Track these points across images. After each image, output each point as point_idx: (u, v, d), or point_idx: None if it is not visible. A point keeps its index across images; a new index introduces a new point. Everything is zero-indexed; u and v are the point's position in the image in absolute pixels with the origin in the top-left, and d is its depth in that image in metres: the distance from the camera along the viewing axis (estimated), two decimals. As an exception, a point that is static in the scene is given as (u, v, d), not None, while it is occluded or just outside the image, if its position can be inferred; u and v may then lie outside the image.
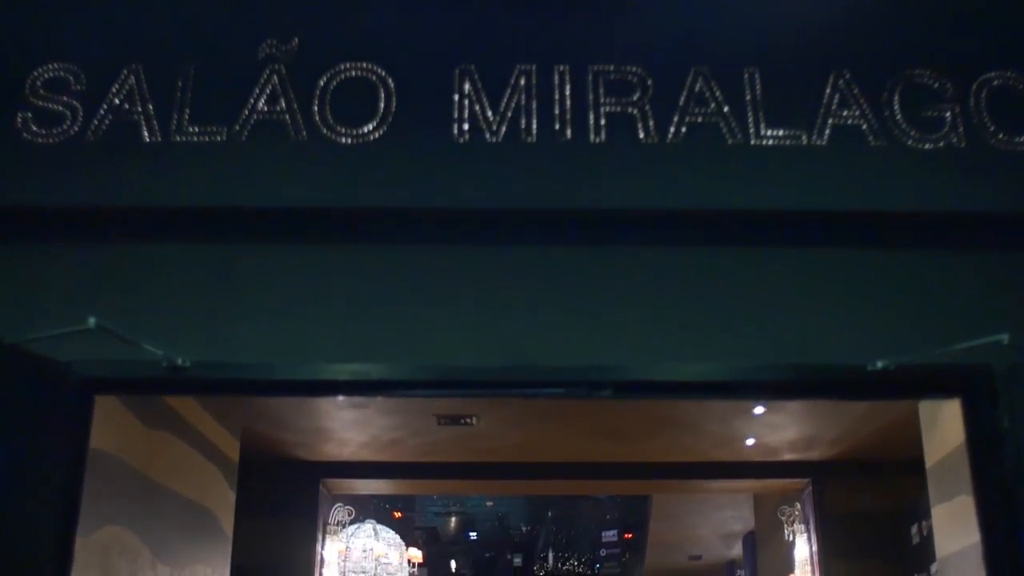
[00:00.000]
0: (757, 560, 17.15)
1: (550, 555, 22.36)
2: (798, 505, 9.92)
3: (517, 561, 26.39)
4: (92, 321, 2.96)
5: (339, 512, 9.82)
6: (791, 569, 10.10)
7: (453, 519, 23.27)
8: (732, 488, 10.53)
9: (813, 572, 9.57)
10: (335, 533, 9.73)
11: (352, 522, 15.30)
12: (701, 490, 11.37)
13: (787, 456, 9.45)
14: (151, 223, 3.33)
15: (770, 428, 8.52)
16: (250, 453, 9.10)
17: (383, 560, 14.47)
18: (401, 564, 14.70)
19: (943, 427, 6.04)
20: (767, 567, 13.85)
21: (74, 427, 3.16)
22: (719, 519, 19.27)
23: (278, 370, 3.12)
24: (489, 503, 20.73)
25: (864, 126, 3.42)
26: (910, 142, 3.43)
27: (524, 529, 24.95)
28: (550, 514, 21.01)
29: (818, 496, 9.62)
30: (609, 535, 21.26)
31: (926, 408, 6.34)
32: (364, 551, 14.55)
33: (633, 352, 3.16)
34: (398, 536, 14.93)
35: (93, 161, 3.34)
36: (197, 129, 3.37)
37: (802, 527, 9.78)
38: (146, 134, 3.38)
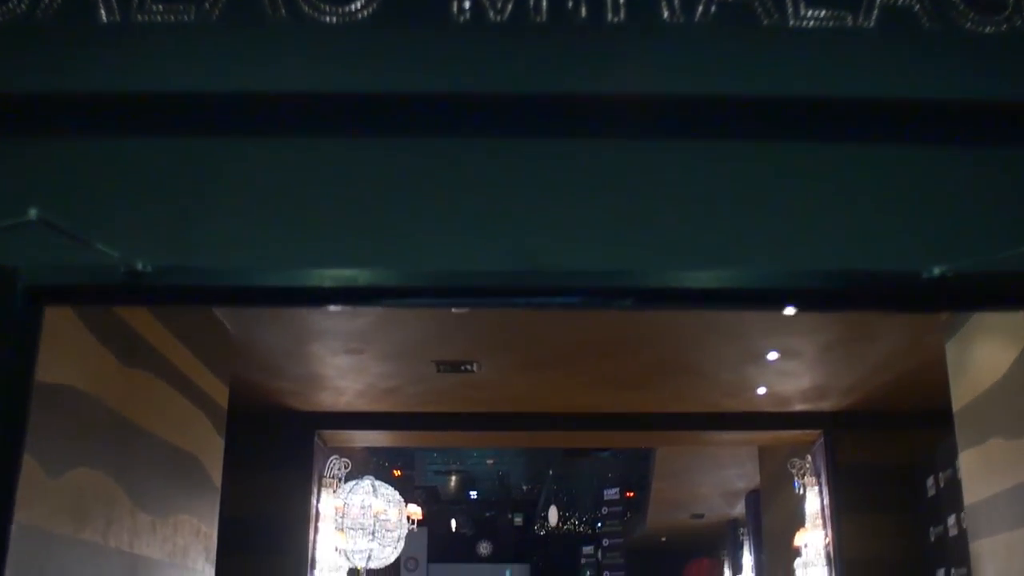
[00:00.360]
0: (762, 518, 16.88)
1: (551, 512, 22.06)
2: (809, 458, 9.58)
3: (518, 520, 26.17)
4: (33, 213, 2.56)
5: (335, 465, 9.46)
6: (800, 524, 9.77)
7: (453, 478, 23.01)
8: (741, 440, 10.18)
9: (824, 526, 9.24)
10: (331, 487, 9.37)
11: (349, 478, 14.97)
12: (708, 443, 11.02)
13: (798, 406, 9.09)
14: (109, 112, 2.90)
15: (783, 376, 8.15)
16: (241, 401, 8.72)
17: (381, 517, 14.15)
18: (400, 521, 14.39)
19: (974, 368, 5.68)
20: (773, 524, 13.54)
21: (21, 341, 2.76)
22: (722, 477, 18.98)
23: (253, 276, 2.71)
24: (489, 461, 20.43)
25: (917, 7, 2.99)
26: (968, 25, 3.00)
27: (524, 488, 24.69)
28: (551, 472, 20.70)
29: (830, 448, 9.28)
30: (611, 493, 20.98)
31: (955, 349, 5.98)
32: (362, 507, 14.25)
33: (658, 256, 2.76)
34: (397, 493, 14.62)
35: (44, 44, 2.92)
36: (161, 8, 2.93)
37: (813, 480, 9.43)
38: (103, 13, 2.94)
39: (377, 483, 14.54)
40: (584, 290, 2.73)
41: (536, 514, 27.06)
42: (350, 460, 14.27)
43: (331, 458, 9.46)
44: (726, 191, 2.84)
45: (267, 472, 9.08)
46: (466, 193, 2.77)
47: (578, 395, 8.71)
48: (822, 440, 9.34)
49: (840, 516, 9.12)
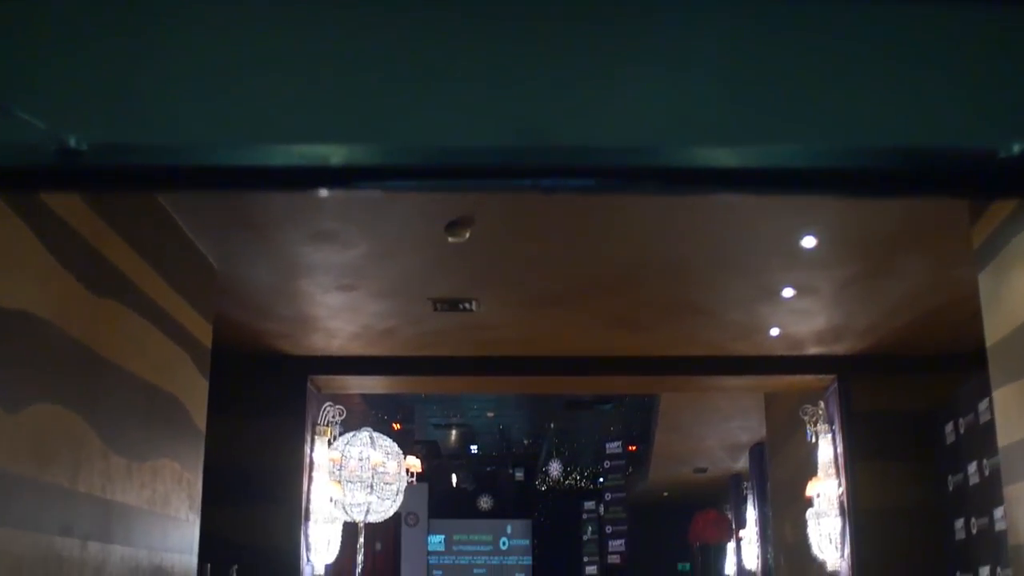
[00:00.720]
0: (767, 471, 16.57)
1: (552, 464, 21.70)
2: (821, 404, 9.19)
3: (519, 475, 25.86)
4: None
5: (329, 412, 9.07)
6: (811, 474, 9.40)
7: (453, 432, 22.64)
8: (750, 386, 9.78)
9: (838, 474, 8.87)
10: (325, 435, 8.98)
11: (347, 429, 14.60)
12: (716, 388, 10.62)
13: (812, 350, 8.69)
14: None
15: (798, 316, 7.73)
16: (230, 345, 8.32)
17: (380, 469, 13.81)
18: (399, 474, 14.05)
19: (1012, 298, 5.25)
20: (780, 476, 13.18)
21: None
22: (726, 430, 18.66)
23: (208, 153, 2.25)
24: (490, 414, 20.06)
25: None
26: None
27: (526, 443, 24.32)
28: (552, 426, 20.32)
29: (844, 394, 8.89)
30: (613, 447, 20.62)
31: (989, 280, 5.55)
32: (360, 460, 13.90)
33: (687, 131, 2.30)
34: (396, 445, 14.27)
35: None
36: None
37: (825, 427, 9.05)
38: None
39: (375, 435, 14.18)
40: (601, 170, 2.28)
41: (537, 469, 26.77)
42: (347, 411, 13.93)
43: (325, 405, 9.06)
44: (767, 55, 2.38)
45: (259, 419, 8.70)
46: (462, 54, 2.31)
47: (581, 337, 8.31)
48: (835, 386, 8.96)
49: (854, 464, 8.75)
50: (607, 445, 20.80)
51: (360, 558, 14.17)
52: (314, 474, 8.78)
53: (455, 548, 29.88)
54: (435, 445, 24.47)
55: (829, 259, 6.56)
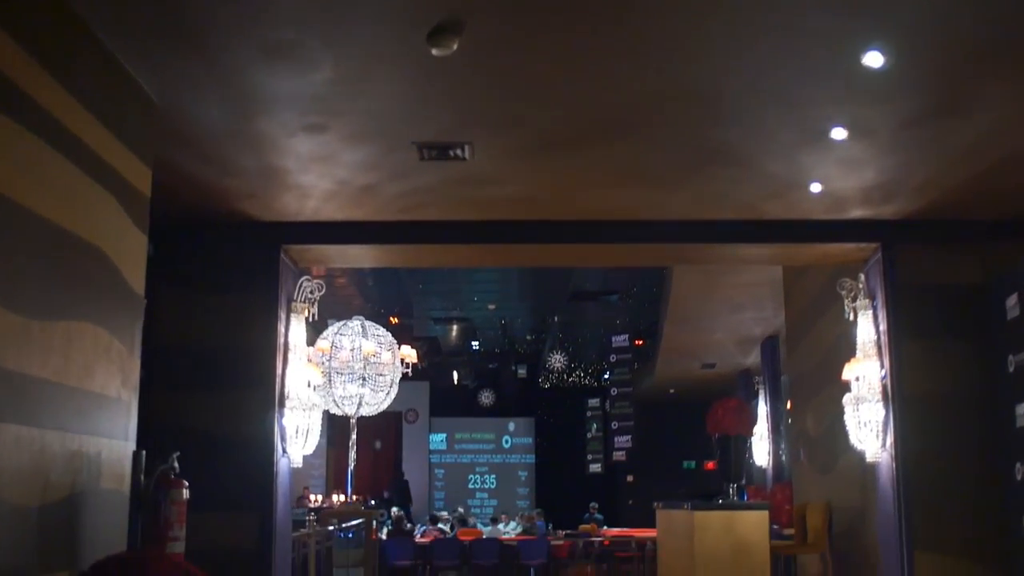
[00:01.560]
0: (787, 362, 15.57)
1: (554, 356, 20.70)
2: (862, 277, 8.06)
3: (521, 372, 24.97)
4: None
5: (306, 287, 7.95)
6: (846, 357, 8.33)
7: (454, 327, 21.70)
8: (782, 256, 8.60)
9: (880, 355, 7.78)
10: (302, 312, 7.87)
11: (338, 319, 13.53)
12: (742, 260, 9.53)
13: (855, 212, 7.53)
14: None
15: (845, 167, 6.55)
16: (189, 207, 7.19)
17: (373, 359, 12.78)
18: (394, 365, 13.03)
19: None
20: (800, 368, 12.12)
21: None
22: (738, 322, 17.63)
23: None
24: (491, 306, 19.01)
25: None
26: None
27: (529, 338, 23.39)
28: (555, 319, 19.27)
29: (889, 264, 7.76)
30: (619, 340, 19.62)
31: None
32: (351, 350, 12.87)
33: None
34: (390, 334, 13.22)
35: None
36: None
37: (866, 303, 7.93)
38: None
39: (368, 323, 13.11)
40: None
41: (540, 366, 25.86)
42: (340, 303, 12.79)
43: (302, 279, 7.94)
44: None
45: (226, 294, 7.60)
46: None
47: (590, 196, 7.14)
48: (879, 255, 7.82)
49: (899, 344, 7.65)
50: (613, 339, 19.80)
51: (353, 455, 13.22)
52: (289, 356, 7.69)
53: (457, 447, 29.17)
54: (435, 341, 23.53)
55: (893, 87, 5.35)
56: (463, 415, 28.48)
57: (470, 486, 28.96)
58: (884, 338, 7.75)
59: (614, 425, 20.12)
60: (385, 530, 20.24)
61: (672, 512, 10.24)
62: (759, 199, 7.16)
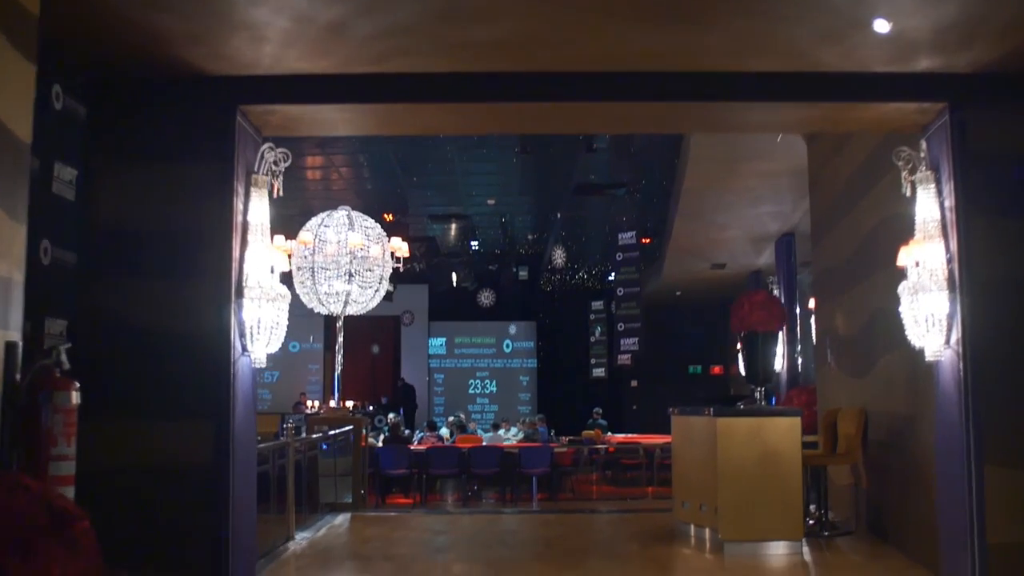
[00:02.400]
0: (812, 257, 14.36)
1: (556, 251, 19.39)
2: (923, 145, 6.76)
3: (523, 274, 23.77)
4: None
5: (269, 157, 6.65)
6: (894, 243, 7.09)
7: (453, 226, 20.44)
8: (829, 118, 7.17)
9: (945, 235, 6.53)
10: (263, 187, 6.58)
11: (321, 208, 12.29)
12: (778, 125, 8.21)
13: (923, 63, 6.21)
14: None
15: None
16: (119, 56, 5.87)
17: (360, 253, 11.58)
18: (383, 259, 11.84)
19: None
20: (828, 261, 10.88)
21: None
22: (753, 217, 16.35)
23: None
24: (490, 201, 17.71)
25: None
26: None
27: (530, 238, 22.10)
28: (559, 216, 17.95)
29: (958, 129, 6.46)
30: (626, 237, 18.36)
31: None
32: (337, 243, 11.65)
33: None
34: (379, 226, 11.98)
35: None
36: None
37: (928, 175, 6.64)
38: None
39: (355, 214, 11.86)
40: None
41: (542, 267, 24.62)
42: (329, 200, 11.54)
43: (263, 147, 6.64)
44: None
45: (171, 165, 6.33)
46: None
47: (597, 35, 5.79)
48: (947, 118, 6.52)
49: (968, 222, 6.41)
50: (620, 236, 18.54)
51: (340, 358, 12.06)
52: (249, 238, 6.43)
53: (457, 351, 28.15)
54: (433, 242, 22.29)
55: None
56: (463, 319, 27.39)
57: (470, 391, 28.02)
58: (950, 216, 6.49)
59: (620, 327, 18.97)
60: (382, 437, 19.30)
61: (690, 419, 9.10)
62: (811, 43, 5.83)
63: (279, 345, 6.60)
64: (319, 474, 10.63)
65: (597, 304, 25.91)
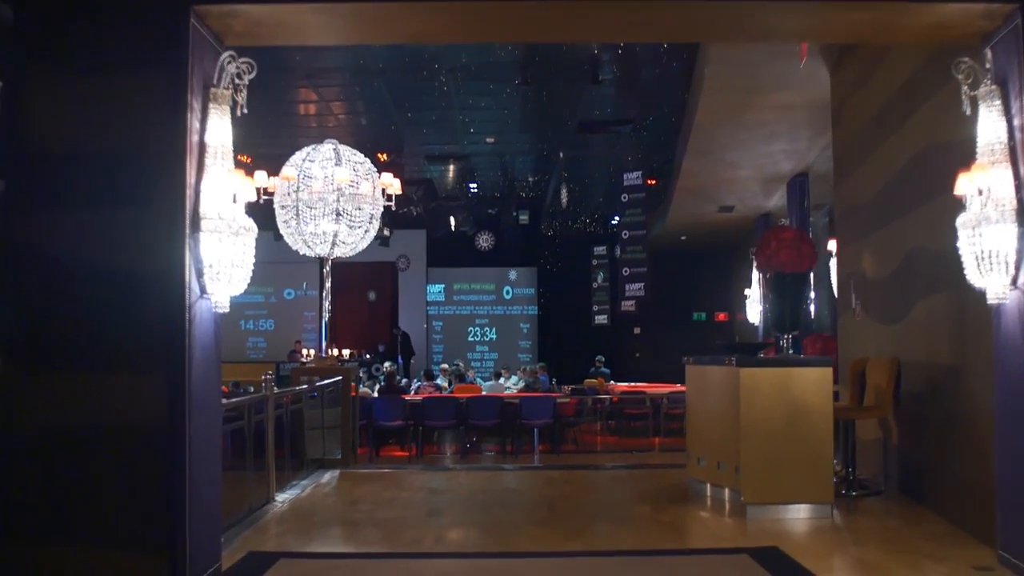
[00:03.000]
0: (808, 203, 13.43)
1: (563, 194, 18.37)
2: (988, 54, 5.79)
3: (523, 218, 22.80)
4: None
5: (231, 67, 5.67)
6: (947, 169, 6.15)
7: (451, 167, 19.41)
8: (875, 27, 6.12)
9: (1014, 159, 5.58)
10: (223, 102, 5.61)
11: (305, 141, 11.36)
12: (815, 33, 7.22)
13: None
14: None
15: None
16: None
17: (349, 190, 10.63)
18: (373, 197, 10.89)
19: None
20: (854, 198, 9.95)
21: None
22: (767, 155, 15.37)
23: None
24: (489, 139, 16.68)
25: None
26: None
27: (531, 180, 21.09)
28: (561, 155, 16.96)
29: (1030, 35, 5.49)
30: (632, 178, 17.36)
31: None
32: (324, 179, 10.69)
33: None
34: (368, 160, 11.01)
35: None
36: None
37: (994, 89, 5.68)
38: None
39: (343, 148, 10.89)
40: None
41: (543, 211, 23.65)
42: (326, 130, 10.62)
43: (224, 56, 5.66)
44: None
45: (114, 77, 5.35)
46: None
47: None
48: (1019, 22, 5.54)
49: (1042, 143, 5.46)
50: (625, 177, 17.55)
51: (328, 304, 11.15)
52: (207, 162, 5.48)
53: (455, 298, 27.27)
54: (431, 184, 21.28)
55: None
56: (462, 265, 26.49)
57: (470, 339, 27.19)
58: (1020, 137, 5.53)
59: (625, 271, 18.04)
60: (377, 387, 18.46)
61: (708, 368, 8.22)
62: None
63: (244, 287, 5.69)
64: (306, 428, 9.78)
65: (600, 249, 24.98)
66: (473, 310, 27.21)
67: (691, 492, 8.27)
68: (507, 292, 27.13)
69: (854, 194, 9.95)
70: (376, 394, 16.83)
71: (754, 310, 20.80)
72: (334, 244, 10.46)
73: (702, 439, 8.25)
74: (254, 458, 7.88)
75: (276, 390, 8.52)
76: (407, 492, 8.64)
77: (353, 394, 10.76)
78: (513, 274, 26.73)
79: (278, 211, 10.49)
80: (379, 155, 17.13)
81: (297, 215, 10.37)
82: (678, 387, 19.52)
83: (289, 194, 10.39)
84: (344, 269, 27.80)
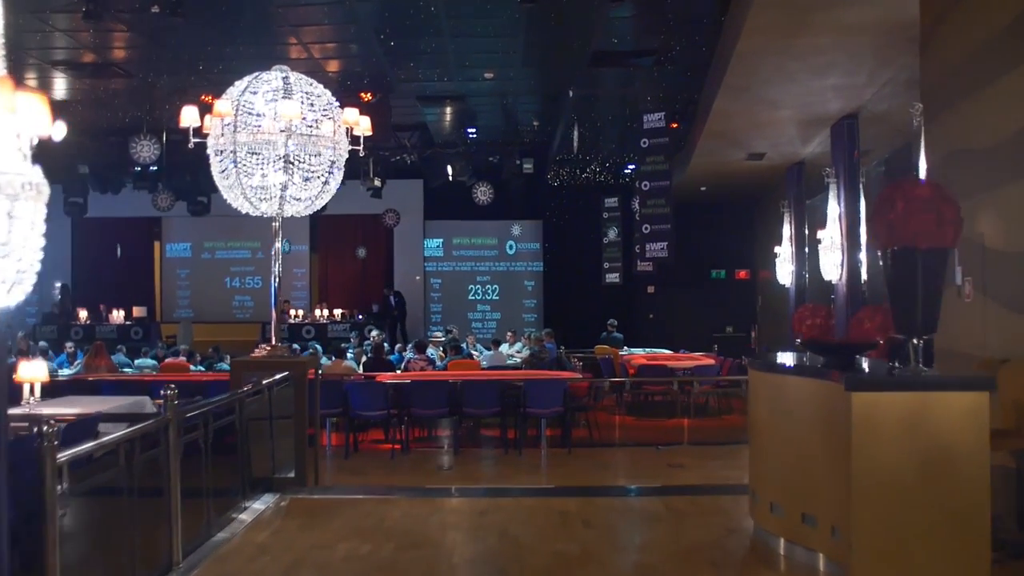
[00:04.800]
0: (858, 148, 10.80)
1: (574, 136, 15.60)
2: None
3: (528, 167, 20.08)
4: None
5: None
6: None
7: (447, 110, 16.74)
8: None
9: None
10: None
11: (245, 68, 8.85)
12: None
13: None
14: None
15: None
16: None
17: (299, 128, 8.02)
18: (336, 140, 8.30)
19: None
20: (956, 145, 7.35)
21: None
22: (815, 92, 12.60)
23: None
24: (488, 75, 13.97)
25: None
26: None
27: (535, 124, 18.36)
28: (571, 94, 14.26)
29: None
30: (653, 119, 14.65)
31: None
32: (275, 118, 8.08)
33: None
34: (329, 93, 8.39)
35: None
36: None
37: None
38: None
39: (295, 76, 8.23)
40: None
41: (550, 159, 20.93)
42: (293, 78, 8.21)
43: None
44: None
45: None
46: None
47: None
48: None
49: None
50: (645, 118, 14.83)
51: (276, 268, 8.57)
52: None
53: (455, 253, 24.61)
54: (425, 129, 18.58)
55: None
56: (462, 218, 23.86)
57: (470, 297, 24.63)
58: None
59: (645, 228, 15.37)
60: (364, 358, 16.00)
61: (790, 381, 5.66)
62: None
63: (28, 288, 3.11)
64: (249, 442, 7.27)
65: (611, 201, 22.30)
66: (474, 266, 24.63)
67: (759, 548, 5.78)
68: (510, 247, 24.53)
69: (962, 136, 7.34)
70: (361, 369, 14.35)
71: (785, 270, 18.18)
72: (283, 200, 7.86)
73: (777, 477, 5.73)
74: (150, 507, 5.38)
75: (204, 404, 5.98)
76: (369, 544, 6.11)
77: (311, 376, 8.20)
78: (516, 228, 24.10)
79: (213, 159, 7.91)
80: (361, 95, 14.44)
81: (235, 163, 7.78)
82: (699, 357, 17.06)
83: (224, 135, 7.79)
84: (334, 223, 25.27)
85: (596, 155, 20.15)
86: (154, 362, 15.91)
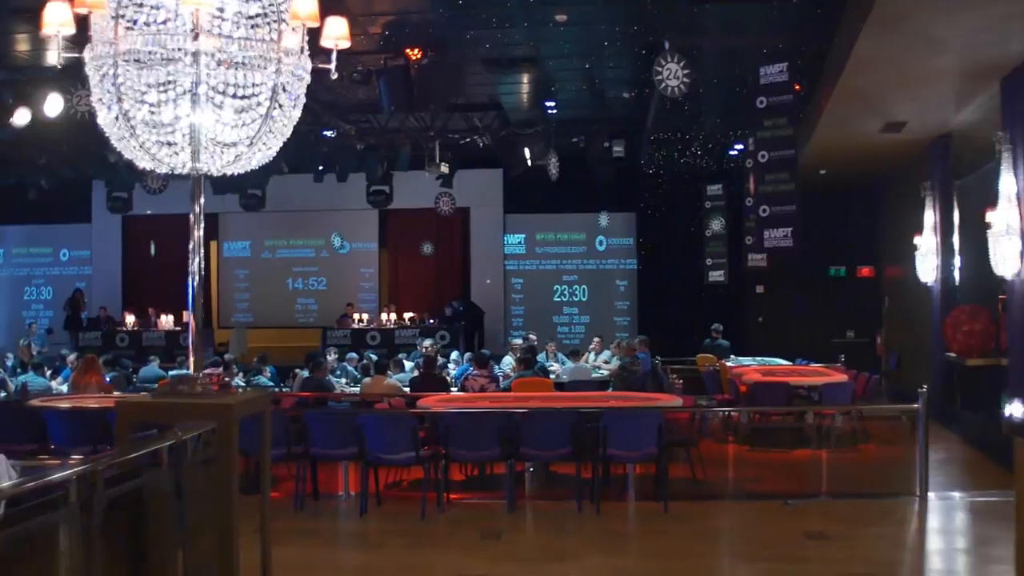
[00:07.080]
0: None
1: (674, 87, 12.01)
2: None
3: (618, 150, 16.69)
4: None
5: None
6: None
7: (523, 78, 13.49)
8: None
9: None
10: None
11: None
12: None
13: None
14: None
15: None
16: None
17: (214, 28, 4.76)
18: (281, 48, 5.05)
19: None
20: None
21: None
22: (990, 25, 8.99)
23: None
24: (560, 16, 10.64)
25: None
26: None
27: (626, 96, 14.95)
28: (666, 45, 10.79)
29: None
30: (772, 72, 11.14)
31: None
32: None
33: None
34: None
35: None
36: None
37: None
38: None
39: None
40: None
41: (644, 139, 17.47)
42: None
43: None
44: None
45: None
46: None
47: None
48: None
49: None
50: (762, 71, 11.24)
51: (196, 265, 5.34)
52: None
53: (538, 250, 21.18)
54: (497, 103, 15.33)
55: None
56: (545, 211, 20.57)
57: (555, 299, 21.26)
58: None
59: (763, 211, 11.75)
60: (410, 366, 12.87)
61: None
62: None
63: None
64: (153, 538, 4.05)
65: (714, 188, 18.71)
66: (559, 264, 21.28)
67: None
68: (600, 243, 21.11)
69: None
70: (408, 386, 11.19)
71: (928, 265, 14.38)
72: (197, 148, 4.65)
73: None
74: None
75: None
76: None
77: (239, 467, 4.98)
78: (604, 220, 20.60)
79: (91, 78, 4.75)
80: (409, 51, 11.25)
81: (115, 87, 4.62)
82: (825, 370, 13.48)
83: (106, 43, 4.63)
84: (404, 216, 22.27)
85: (698, 133, 16.58)
86: (160, 372, 13.03)
